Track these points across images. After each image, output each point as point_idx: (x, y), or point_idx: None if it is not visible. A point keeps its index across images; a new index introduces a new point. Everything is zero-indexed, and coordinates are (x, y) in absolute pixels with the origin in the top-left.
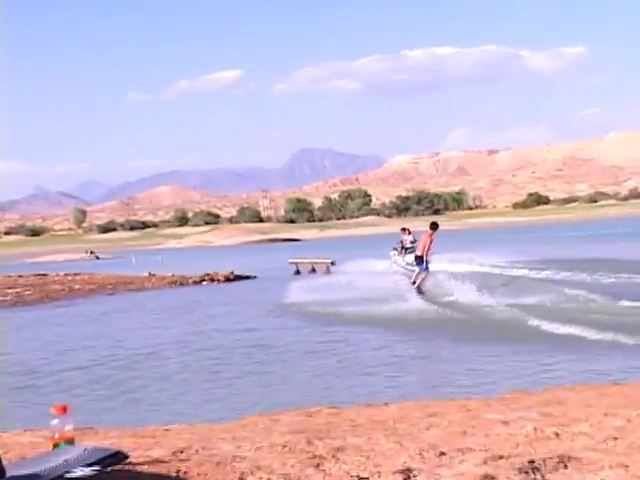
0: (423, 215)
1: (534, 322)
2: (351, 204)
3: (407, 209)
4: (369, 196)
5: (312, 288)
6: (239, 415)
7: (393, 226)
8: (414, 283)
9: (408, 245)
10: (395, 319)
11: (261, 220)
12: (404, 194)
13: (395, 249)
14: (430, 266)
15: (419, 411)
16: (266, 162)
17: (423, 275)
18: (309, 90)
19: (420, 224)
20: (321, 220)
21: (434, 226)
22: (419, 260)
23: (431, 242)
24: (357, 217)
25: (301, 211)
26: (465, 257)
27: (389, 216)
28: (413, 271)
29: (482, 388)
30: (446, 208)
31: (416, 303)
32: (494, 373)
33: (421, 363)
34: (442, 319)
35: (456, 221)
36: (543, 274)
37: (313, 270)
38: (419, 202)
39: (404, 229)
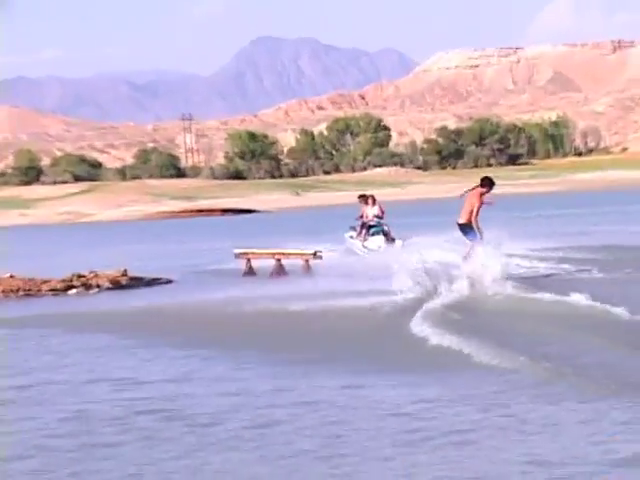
0: (488, 166)
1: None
2: (352, 145)
3: (457, 154)
4: (386, 129)
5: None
6: None
7: (432, 187)
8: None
9: (372, 222)
10: None
11: (181, 174)
12: (452, 125)
13: (353, 228)
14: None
15: None
16: (190, 65)
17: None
18: None
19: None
20: (294, 175)
21: (487, 182)
22: (466, 229)
23: (480, 205)
24: (363, 169)
25: (257, 157)
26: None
27: (423, 168)
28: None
29: None
30: (532, 153)
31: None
32: None
33: None
34: None
35: (551, 177)
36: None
37: (279, 268)
38: (481, 141)
39: (364, 197)
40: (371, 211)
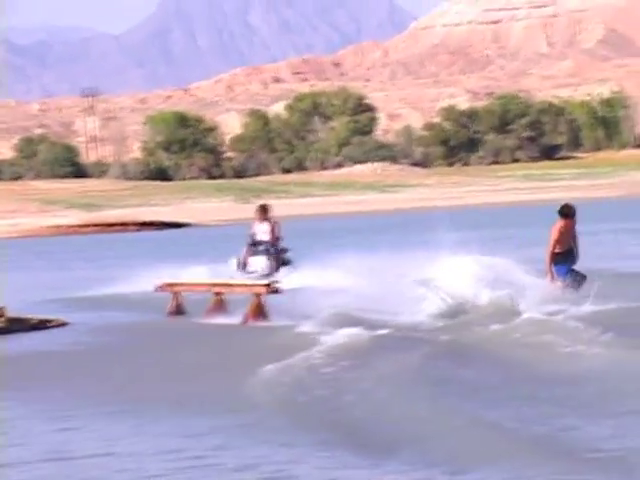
0: (514, 161)
1: None
2: (322, 132)
3: (471, 145)
4: (370, 109)
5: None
6: None
7: (435, 192)
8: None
9: (259, 238)
10: None
11: (81, 172)
12: (463, 104)
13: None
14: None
15: None
16: (94, 19)
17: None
18: None
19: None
20: (240, 175)
21: (567, 213)
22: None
23: (562, 235)
24: (338, 167)
25: (188, 149)
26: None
27: (423, 164)
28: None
29: None
30: (576, 143)
31: None
32: None
33: None
34: None
35: (603, 177)
36: None
37: (219, 306)
38: (504, 127)
39: (264, 209)
40: (259, 228)
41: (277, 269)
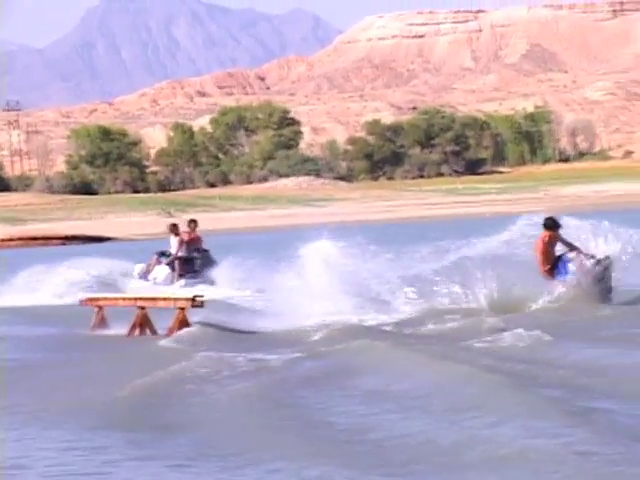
0: (439, 175)
1: None
2: (246, 146)
3: (396, 159)
4: (295, 123)
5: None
6: None
7: (360, 206)
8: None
9: (170, 250)
10: None
11: (4, 186)
12: (387, 119)
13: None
14: None
15: None
16: (17, 32)
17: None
18: None
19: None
20: (165, 188)
21: (550, 225)
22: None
23: (547, 246)
24: (263, 180)
25: (112, 163)
26: None
27: (347, 178)
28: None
29: None
30: (500, 158)
31: None
32: None
33: None
34: None
35: (527, 191)
36: None
37: (143, 321)
38: (429, 141)
39: (173, 225)
40: (171, 241)
41: (175, 280)
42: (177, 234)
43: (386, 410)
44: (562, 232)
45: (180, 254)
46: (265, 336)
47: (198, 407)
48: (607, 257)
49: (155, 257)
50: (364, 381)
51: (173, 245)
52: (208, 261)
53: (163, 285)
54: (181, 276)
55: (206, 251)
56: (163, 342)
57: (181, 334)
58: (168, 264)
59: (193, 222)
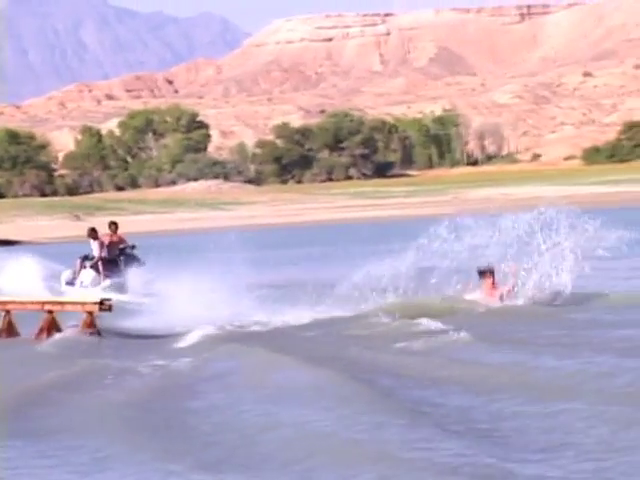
0: (347, 179)
1: None
2: (155, 149)
3: (304, 162)
4: (203, 127)
5: None
6: None
7: (269, 209)
8: None
9: (92, 254)
10: None
11: None
12: (296, 122)
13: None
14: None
15: None
16: None
17: None
18: None
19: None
20: (73, 192)
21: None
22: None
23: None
24: (171, 184)
25: (20, 166)
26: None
27: (256, 182)
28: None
29: None
30: (409, 161)
31: None
32: None
33: None
34: None
35: (435, 194)
36: None
37: (51, 325)
38: (337, 144)
39: (92, 230)
40: (92, 245)
41: (101, 281)
42: (96, 238)
43: (243, 411)
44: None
45: (103, 255)
46: (141, 341)
47: (65, 413)
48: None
49: (79, 262)
50: (233, 381)
51: (94, 248)
52: (133, 260)
53: (91, 287)
54: (107, 277)
55: (134, 247)
56: (42, 347)
57: (58, 339)
58: (92, 267)
59: (114, 224)
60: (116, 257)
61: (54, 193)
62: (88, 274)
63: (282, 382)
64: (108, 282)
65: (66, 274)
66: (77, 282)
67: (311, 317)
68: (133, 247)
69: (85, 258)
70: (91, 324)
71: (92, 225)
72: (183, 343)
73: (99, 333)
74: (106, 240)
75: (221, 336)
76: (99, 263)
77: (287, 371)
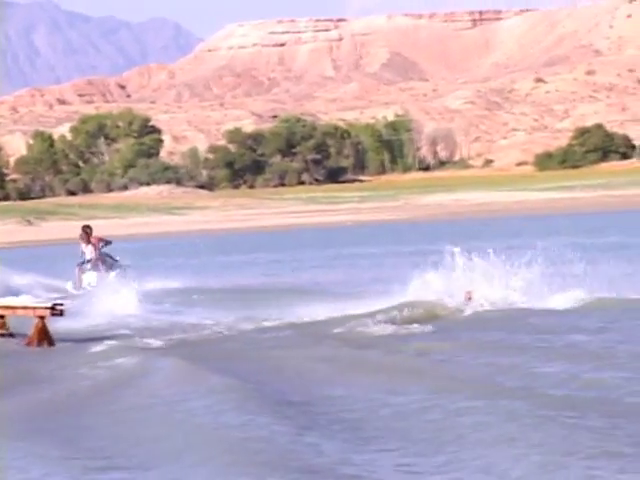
0: (300, 184)
1: None
2: (107, 154)
3: (257, 167)
4: (156, 132)
5: None
6: None
7: (221, 214)
8: None
9: (87, 257)
10: None
11: None
12: (248, 127)
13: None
14: None
15: None
16: None
17: None
18: None
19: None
20: (25, 197)
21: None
22: None
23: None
24: (123, 189)
25: None
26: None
27: (208, 187)
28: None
29: None
30: (361, 166)
31: None
32: None
33: None
34: None
35: (387, 200)
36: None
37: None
38: (290, 149)
39: (87, 229)
40: (87, 249)
41: (107, 274)
42: (89, 242)
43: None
44: None
45: (97, 255)
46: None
47: None
48: None
49: (78, 269)
50: (130, 392)
51: (88, 252)
52: (110, 257)
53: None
54: (110, 268)
55: (110, 242)
56: None
57: None
58: (92, 269)
59: (89, 227)
60: (105, 253)
61: (5, 198)
62: (92, 276)
63: (177, 391)
64: (114, 273)
65: (70, 285)
66: (84, 286)
67: (231, 322)
68: (109, 243)
69: (82, 264)
70: (43, 329)
71: (84, 226)
72: (95, 348)
73: (11, 335)
74: (96, 242)
75: (133, 342)
76: (98, 263)
77: (190, 377)
